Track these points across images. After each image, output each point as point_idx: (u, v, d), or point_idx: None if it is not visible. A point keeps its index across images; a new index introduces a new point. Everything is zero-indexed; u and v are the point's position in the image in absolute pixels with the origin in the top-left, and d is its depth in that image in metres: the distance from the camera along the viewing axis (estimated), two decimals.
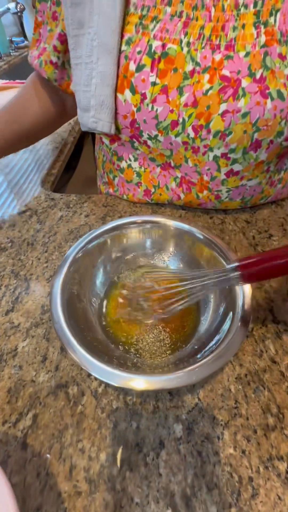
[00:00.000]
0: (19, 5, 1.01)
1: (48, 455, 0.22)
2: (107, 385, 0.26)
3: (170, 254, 0.34)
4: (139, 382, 0.20)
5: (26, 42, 1.50)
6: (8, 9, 1.03)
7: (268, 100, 0.29)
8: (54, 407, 0.25)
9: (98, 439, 0.23)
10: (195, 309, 0.30)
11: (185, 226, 0.32)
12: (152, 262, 0.34)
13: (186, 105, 0.31)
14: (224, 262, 0.28)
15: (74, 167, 0.81)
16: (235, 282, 0.24)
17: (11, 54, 1.35)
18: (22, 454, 0.22)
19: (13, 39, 1.43)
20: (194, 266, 0.32)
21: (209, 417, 0.24)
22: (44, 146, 0.64)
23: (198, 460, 0.22)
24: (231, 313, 0.25)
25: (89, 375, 0.27)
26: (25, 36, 1.56)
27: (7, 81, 0.98)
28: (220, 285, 0.25)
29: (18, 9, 1.02)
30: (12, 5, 1.01)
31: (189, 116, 0.32)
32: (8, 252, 0.39)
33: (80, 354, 0.22)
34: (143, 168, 0.41)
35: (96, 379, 0.26)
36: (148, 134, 0.35)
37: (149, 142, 0.36)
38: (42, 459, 0.22)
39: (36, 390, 0.26)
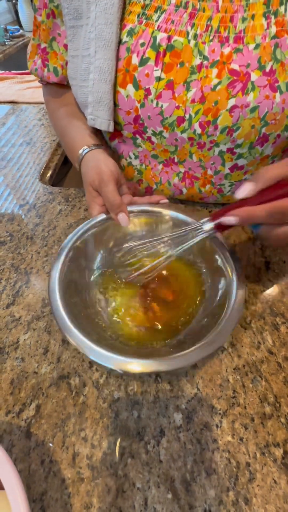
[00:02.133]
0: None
1: (50, 444, 0.23)
2: (108, 375, 0.26)
3: (165, 242, 0.33)
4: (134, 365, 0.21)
5: (21, 31, 1.46)
6: None
7: (277, 94, 0.29)
8: (56, 398, 0.25)
9: (100, 428, 0.23)
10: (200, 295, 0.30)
11: (180, 215, 0.33)
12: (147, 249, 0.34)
13: (193, 101, 0.31)
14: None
15: None
16: (211, 231, 0.27)
17: (6, 43, 1.32)
18: (26, 442, 0.23)
19: (8, 27, 1.39)
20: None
21: (208, 406, 0.25)
22: (41, 140, 0.63)
23: (198, 447, 0.23)
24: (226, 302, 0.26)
25: (90, 366, 0.27)
26: (20, 25, 1.52)
27: (2, 71, 0.96)
28: (196, 235, 0.28)
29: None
30: None
31: (196, 112, 0.31)
32: (8, 246, 0.39)
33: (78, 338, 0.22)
34: (144, 165, 0.41)
35: (97, 370, 0.27)
36: (152, 130, 0.35)
37: (153, 138, 0.36)
38: (45, 447, 0.22)
39: (38, 381, 0.26)
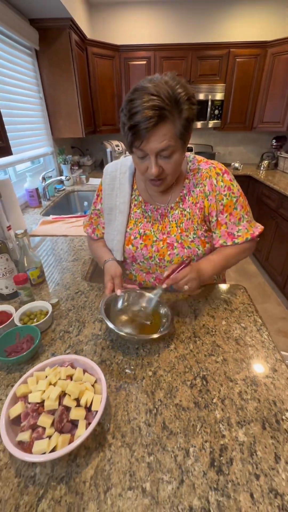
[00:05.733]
0: (67, 177, 1.77)
1: None
2: (123, 357, 0.63)
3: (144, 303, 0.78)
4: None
5: (63, 186, 2.31)
6: (61, 179, 1.79)
7: (185, 249, 0.78)
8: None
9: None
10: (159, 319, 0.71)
11: (148, 294, 0.77)
12: (138, 303, 0.78)
13: (155, 251, 0.80)
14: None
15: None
16: (161, 289, 0.68)
17: (55, 195, 2.11)
18: None
19: (56, 186, 2.24)
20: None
21: (163, 370, 0.61)
22: (83, 257, 1.14)
23: (158, 382, 0.58)
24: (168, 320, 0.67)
25: (114, 355, 0.64)
26: (62, 182, 2.40)
27: (56, 216, 1.61)
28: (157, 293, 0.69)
29: (66, 179, 1.78)
30: (63, 177, 1.78)
31: (156, 255, 0.81)
32: (73, 311, 0.81)
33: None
34: (137, 273, 0.89)
35: (119, 355, 0.64)
36: (140, 260, 0.84)
37: (140, 263, 0.84)
38: None
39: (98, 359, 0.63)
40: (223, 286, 0.90)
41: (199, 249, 0.78)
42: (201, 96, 2.71)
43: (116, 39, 2.71)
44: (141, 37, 2.74)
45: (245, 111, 2.84)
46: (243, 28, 2.72)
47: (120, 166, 0.85)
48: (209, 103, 2.73)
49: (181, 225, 0.79)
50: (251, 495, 0.40)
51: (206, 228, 0.79)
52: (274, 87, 2.61)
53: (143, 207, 0.83)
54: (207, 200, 0.75)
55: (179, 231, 0.78)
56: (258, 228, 0.80)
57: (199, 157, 0.80)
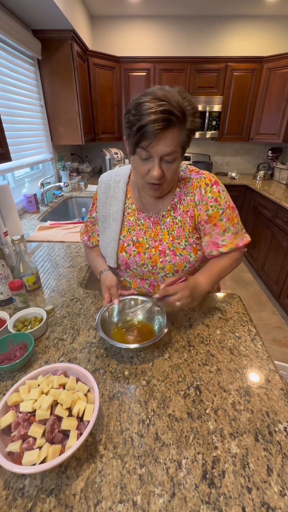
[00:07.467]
0: (65, 183, 1.78)
1: None
2: (117, 366, 0.63)
3: (139, 307, 0.77)
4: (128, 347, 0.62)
5: (62, 193, 2.32)
6: (59, 185, 1.80)
7: (177, 257, 0.79)
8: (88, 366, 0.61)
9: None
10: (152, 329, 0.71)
11: (144, 298, 0.77)
12: (132, 311, 0.77)
13: (147, 258, 0.81)
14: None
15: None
16: (154, 300, 0.68)
17: (53, 201, 2.12)
18: None
19: (54, 192, 2.25)
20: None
21: (156, 379, 0.60)
22: (79, 264, 1.14)
23: (152, 392, 0.57)
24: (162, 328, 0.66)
25: (109, 364, 0.64)
26: (60, 189, 2.42)
27: (54, 222, 1.61)
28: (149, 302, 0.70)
29: (64, 185, 1.79)
30: (61, 184, 1.79)
31: (149, 262, 0.81)
32: (68, 318, 0.80)
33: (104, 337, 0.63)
34: (131, 280, 0.89)
35: (113, 363, 0.63)
36: (133, 267, 0.84)
37: (133, 270, 0.85)
38: None
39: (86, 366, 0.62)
40: (218, 295, 0.90)
41: (191, 256, 0.79)
42: (199, 108, 2.77)
43: (117, 51, 2.77)
44: (141, 49, 2.82)
45: (241, 122, 2.90)
46: (241, 43, 2.81)
47: (115, 176, 0.86)
48: (207, 114, 2.78)
49: (173, 232, 0.80)
50: (243, 509, 0.40)
51: (198, 235, 0.80)
52: (270, 100, 2.68)
53: (136, 215, 0.84)
54: (197, 209, 0.77)
55: (171, 238, 0.79)
56: (244, 239, 0.79)
57: (190, 167, 0.81)
